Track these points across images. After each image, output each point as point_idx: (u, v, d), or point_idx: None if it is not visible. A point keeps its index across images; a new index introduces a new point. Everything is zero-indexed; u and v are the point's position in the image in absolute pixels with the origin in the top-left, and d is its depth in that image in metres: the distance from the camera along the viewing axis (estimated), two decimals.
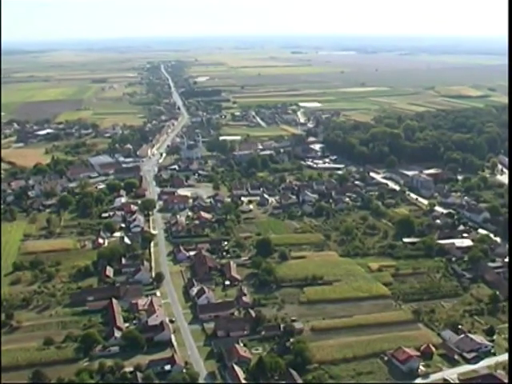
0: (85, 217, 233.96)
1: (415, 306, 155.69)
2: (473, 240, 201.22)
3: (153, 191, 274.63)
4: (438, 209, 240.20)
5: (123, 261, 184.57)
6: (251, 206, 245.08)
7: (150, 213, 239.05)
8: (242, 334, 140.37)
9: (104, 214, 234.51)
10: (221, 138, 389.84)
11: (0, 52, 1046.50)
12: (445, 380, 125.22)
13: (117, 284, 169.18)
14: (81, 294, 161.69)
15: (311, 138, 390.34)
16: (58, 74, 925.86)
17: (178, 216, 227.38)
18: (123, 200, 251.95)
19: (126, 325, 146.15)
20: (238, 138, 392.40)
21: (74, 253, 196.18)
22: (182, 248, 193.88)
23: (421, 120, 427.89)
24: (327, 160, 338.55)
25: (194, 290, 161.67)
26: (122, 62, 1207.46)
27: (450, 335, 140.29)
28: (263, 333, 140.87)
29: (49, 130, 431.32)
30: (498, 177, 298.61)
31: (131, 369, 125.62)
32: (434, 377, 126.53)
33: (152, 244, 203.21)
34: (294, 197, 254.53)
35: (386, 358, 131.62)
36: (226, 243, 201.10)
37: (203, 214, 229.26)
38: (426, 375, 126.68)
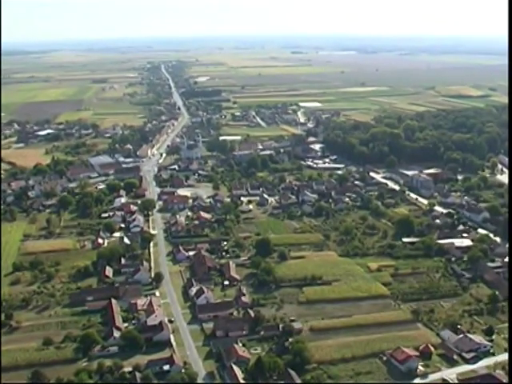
0: (85, 217, 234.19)
1: (414, 305, 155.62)
2: (472, 240, 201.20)
3: (153, 191, 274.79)
4: (438, 209, 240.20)
5: (123, 261, 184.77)
6: (251, 206, 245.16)
7: (150, 213, 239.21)
8: (241, 334, 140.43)
9: (104, 214, 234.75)
10: (221, 138, 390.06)
11: (0, 52, 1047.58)
12: (444, 380, 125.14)
13: (116, 284, 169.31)
14: (80, 294, 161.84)
15: (311, 138, 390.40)
16: (58, 74, 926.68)
17: (178, 216, 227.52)
18: (123, 200, 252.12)
19: (125, 325, 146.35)
20: (238, 138, 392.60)
21: (73, 253, 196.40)
22: (181, 248, 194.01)
23: (421, 120, 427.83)
24: (327, 160, 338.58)
25: (193, 290, 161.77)
26: (122, 62, 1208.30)
27: (449, 335, 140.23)
28: (262, 333, 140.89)
29: (49, 131, 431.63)
30: (498, 176, 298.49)
31: (130, 369, 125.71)
32: (432, 377, 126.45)
33: (151, 244, 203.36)
34: (293, 197, 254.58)
35: (384, 358, 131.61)
36: (225, 243, 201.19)
37: (203, 214, 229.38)
38: (424, 375, 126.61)
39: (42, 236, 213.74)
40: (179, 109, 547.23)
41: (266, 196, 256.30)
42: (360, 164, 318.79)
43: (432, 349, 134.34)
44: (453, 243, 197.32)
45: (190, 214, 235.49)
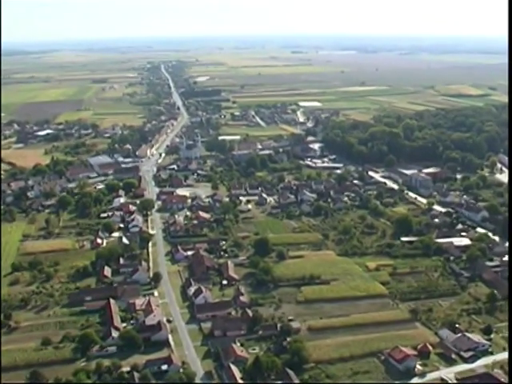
0: (84, 217, 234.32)
1: (413, 305, 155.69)
2: (471, 239, 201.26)
3: (152, 191, 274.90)
4: (437, 208, 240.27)
5: (121, 261, 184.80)
6: (250, 206, 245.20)
7: (149, 213, 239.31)
8: (239, 334, 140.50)
9: (103, 214, 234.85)
10: (220, 137, 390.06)
11: (0, 52, 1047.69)
12: (442, 379, 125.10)
13: (115, 284, 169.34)
14: (79, 294, 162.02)
15: (310, 138, 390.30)
16: (58, 74, 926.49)
17: (177, 216, 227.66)
18: (122, 200, 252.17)
19: (124, 325, 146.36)
20: (238, 137, 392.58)
21: (72, 253, 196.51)
22: (179, 248, 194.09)
23: (420, 119, 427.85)
24: (326, 159, 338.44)
25: (192, 290, 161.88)
26: (122, 62, 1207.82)
27: (448, 334, 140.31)
28: (260, 332, 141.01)
29: (49, 131, 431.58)
30: (498, 176, 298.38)
31: (128, 369, 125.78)
32: (430, 376, 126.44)
33: (150, 244, 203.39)
34: (292, 196, 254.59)
35: (382, 358, 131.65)
36: (223, 243, 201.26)
37: (201, 213, 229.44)
38: (422, 374, 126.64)
39: (41, 236, 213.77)
40: (179, 109, 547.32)
41: (264, 196, 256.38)
42: (359, 163, 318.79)
43: (430, 348, 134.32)
44: (451, 242, 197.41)
45: (188, 213, 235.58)
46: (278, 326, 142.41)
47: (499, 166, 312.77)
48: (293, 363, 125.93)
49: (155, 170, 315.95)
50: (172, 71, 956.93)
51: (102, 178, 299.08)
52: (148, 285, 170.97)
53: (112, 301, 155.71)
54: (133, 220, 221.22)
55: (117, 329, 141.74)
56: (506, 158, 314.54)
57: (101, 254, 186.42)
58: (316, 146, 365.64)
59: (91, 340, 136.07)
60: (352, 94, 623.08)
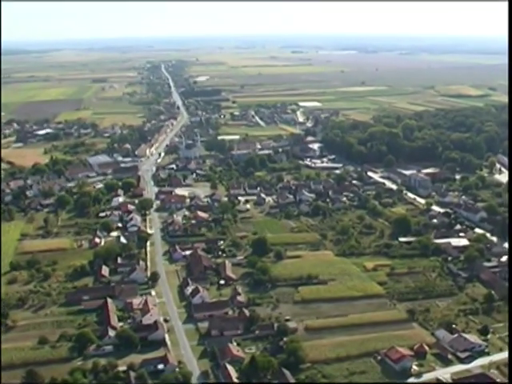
0: (82, 216, 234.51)
1: (410, 305, 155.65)
2: (469, 239, 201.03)
3: (150, 191, 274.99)
4: (435, 208, 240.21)
5: (119, 260, 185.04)
6: (248, 206, 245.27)
7: (148, 212, 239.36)
8: (236, 334, 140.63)
9: (101, 214, 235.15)
10: (219, 137, 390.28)
11: (0, 52, 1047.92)
12: (438, 379, 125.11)
13: (112, 283, 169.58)
14: (76, 294, 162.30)
15: (310, 138, 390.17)
16: (58, 73, 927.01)
17: (175, 215, 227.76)
18: (121, 199, 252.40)
19: (121, 324, 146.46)
20: (237, 137, 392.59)
21: (70, 252, 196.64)
22: (177, 247, 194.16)
23: (420, 119, 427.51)
24: (325, 159, 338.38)
25: (189, 290, 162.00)
26: (122, 61, 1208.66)
27: (444, 334, 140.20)
28: (257, 332, 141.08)
29: (48, 130, 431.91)
30: (497, 176, 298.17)
31: (124, 368, 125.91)
32: (426, 376, 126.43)
33: (148, 243, 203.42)
34: (291, 196, 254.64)
35: (379, 358, 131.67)
36: (221, 242, 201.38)
37: (200, 213, 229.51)
38: (418, 375, 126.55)
39: (40, 235, 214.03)
40: (178, 108, 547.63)
41: (263, 195, 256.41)
42: (358, 163, 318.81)
43: (426, 348, 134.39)
44: (449, 243, 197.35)
45: (187, 213, 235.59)
46: (275, 325, 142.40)
47: (498, 166, 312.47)
48: (289, 363, 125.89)
49: (154, 169, 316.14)
50: (172, 71, 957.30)
51: (101, 178, 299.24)
52: (145, 284, 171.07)
53: (109, 300, 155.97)
54: (131, 219, 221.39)
55: (114, 328, 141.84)
56: (505, 159, 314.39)
57: (99, 254, 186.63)
58: (315, 146, 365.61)
59: (88, 339, 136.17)
60: (352, 94, 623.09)
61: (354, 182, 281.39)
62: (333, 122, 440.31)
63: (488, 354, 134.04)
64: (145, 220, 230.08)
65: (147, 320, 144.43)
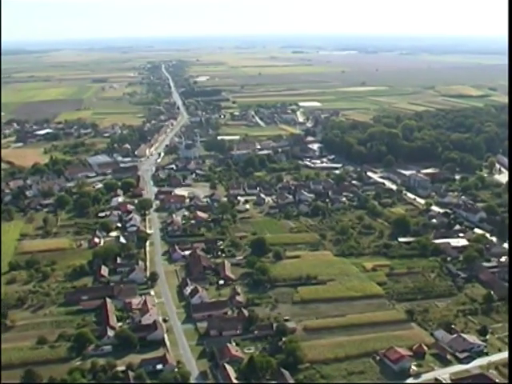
0: (81, 216, 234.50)
1: (409, 305, 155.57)
2: (468, 240, 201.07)
3: (150, 191, 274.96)
4: (435, 208, 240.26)
5: (118, 260, 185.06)
6: (247, 206, 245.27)
7: (147, 212, 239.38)
8: (235, 334, 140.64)
9: (101, 214, 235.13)
10: (219, 137, 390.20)
11: (0, 52, 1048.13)
12: (436, 380, 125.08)
13: (111, 283, 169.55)
14: (75, 294, 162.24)
15: (309, 138, 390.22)
16: (58, 73, 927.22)
17: (174, 215, 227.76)
18: (120, 199, 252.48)
19: (120, 324, 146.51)
20: (237, 137, 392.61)
21: (69, 252, 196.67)
22: (177, 247, 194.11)
23: (419, 119, 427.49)
24: (325, 159, 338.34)
25: (188, 290, 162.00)
26: (123, 61, 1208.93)
27: (443, 335, 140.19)
28: (256, 332, 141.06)
29: (48, 130, 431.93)
30: (496, 176, 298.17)
31: (123, 368, 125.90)
32: (425, 376, 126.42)
33: (147, 243, 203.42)
34: (290, 196, 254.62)
35: (377, 358, 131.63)
36: (221, 243, 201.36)
37: (199, 213, 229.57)
38: (417, 375, 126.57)
39: (39, 235, 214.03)
40: (178, 108, 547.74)
41: (263, 195, 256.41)
42: (358, 164, 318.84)
43: (425, 348, 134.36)
44: (449, 243, 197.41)
45: (186, 213, 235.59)
46: (274, 325, 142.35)
47: (498, 166, 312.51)
48: (288, 363, 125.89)
49: (154, 169, 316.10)
50: (172, 71, 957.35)
51: (101, 178, 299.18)
52: (145, 284, 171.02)
53: (108, 300, 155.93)
54: (130, 219, 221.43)
55: (112, 328, 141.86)
56: (505, 159, 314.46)
57: (98, 254, 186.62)
58: (315, 146, 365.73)
59: (87, 339, 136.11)
60: (352, 95, 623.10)
61: (354, 182, 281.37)
62: (333, 122, 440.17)
63: (487, 354, 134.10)
64: (144, 220, 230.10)
65: (146, 320, 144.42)
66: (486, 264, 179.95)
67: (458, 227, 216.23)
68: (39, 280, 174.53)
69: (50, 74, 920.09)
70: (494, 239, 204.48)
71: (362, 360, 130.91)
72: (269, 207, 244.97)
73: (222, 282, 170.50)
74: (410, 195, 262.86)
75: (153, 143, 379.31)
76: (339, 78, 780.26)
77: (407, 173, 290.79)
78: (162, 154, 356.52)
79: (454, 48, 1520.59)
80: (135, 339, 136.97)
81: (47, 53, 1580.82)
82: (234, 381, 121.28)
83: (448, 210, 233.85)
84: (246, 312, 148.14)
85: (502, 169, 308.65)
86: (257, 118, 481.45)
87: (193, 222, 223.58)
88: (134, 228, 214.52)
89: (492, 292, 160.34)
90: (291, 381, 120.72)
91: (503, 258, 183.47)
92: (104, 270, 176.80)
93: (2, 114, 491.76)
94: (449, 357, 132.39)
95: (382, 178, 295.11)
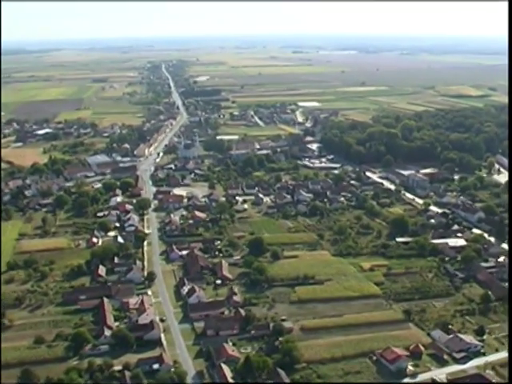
0: (80, 216, 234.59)
1: (406, 305, 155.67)
2: (467, 240, 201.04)
3: (149, 190, 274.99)
4: (433, 208, 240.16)
5: (116, 260, 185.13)
6: (246, 206, 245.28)
7: (145, 212, 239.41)
8: (232, 333, 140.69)
9: (99, 214, 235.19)
10: (218, 137, 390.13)
11: (0, 52, 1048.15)
12: (433, 380, 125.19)
13: (109, 283, 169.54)
14: (73, 293, 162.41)
15: (308, 138, 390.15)
16: (58, 73, 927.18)
17: (172, 215, 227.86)
18: (119, 199, 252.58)
19: (117, 324, 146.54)
20: (236, 137, 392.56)
21: (68, 252, 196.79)
22: (174, 247, 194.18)
23: (419, 119, 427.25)
24: (324, 159, 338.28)
25: (185, 289, 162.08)
26: (123, 61, 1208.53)
27: (440, 335, 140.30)
28: (253, 332, 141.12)
29: (48, 130, 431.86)
30: (495, 176, 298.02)
31: (120, 367, 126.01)
32: (422, 376, 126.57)
33: (145, 243, 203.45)
34: (288, 196, 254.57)
35: (374, 358, 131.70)
36: (218, 242, 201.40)
37: (198, 213, 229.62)
38: (414, 375, 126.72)
39: (38, 235, 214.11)
40: (178, 108, 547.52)
41: (261, 195, 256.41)
42: (356, 163, 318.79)
43: (422, 349, 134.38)
44: (447, 243, 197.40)
45: (184, 213, 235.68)
46: (271, 325, 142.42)
47: (497, 166, 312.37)
48: (284, 363, 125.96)
49: (153, 169, 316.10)
50: (172, 70, 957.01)
51: (100, 177, 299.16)
52: (142, 284, 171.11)
53: (106, 300, 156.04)
54: (129, 219, 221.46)
55: (110, 328, 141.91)
56: (504, 159, 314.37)
57: (96, 253, 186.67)
58: (314, 146, 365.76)
59: (84, 339, 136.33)
60: (352, 94, 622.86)
61: (352, 182, 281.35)
62: (332, 122, 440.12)
63: (484, 354, 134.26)
64: (142, 220, 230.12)
65: (143, 320, 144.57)
66: (483, 264, 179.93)
67: (456, 227, 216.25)
68: (37, 279, 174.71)
69: (50, 73, 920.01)
70: (492, 239, 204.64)
71: (359, 360, 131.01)
72: (267, 207, 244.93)
73: (219, 281, 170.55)
74: (408, 195, 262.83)
75: (152, 143, 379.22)
76: (339, 78, 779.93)
77: (406, 173, 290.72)
78: (161, 154, 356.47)
79: (453, 48, 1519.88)
80: (132, 339, 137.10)
81: (47, 53, 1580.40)
82: (230, 381, 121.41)
83: (446, 210, 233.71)
84: (242, 312, 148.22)
85: (501, 169, 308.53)
86: (256, 118, 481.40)
87: (191, 221, 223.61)
88: (132, 228, 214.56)
89: (489, 292, 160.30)
90: (287, 381, 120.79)
91: (501, 258, 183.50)
92: (101, 270, 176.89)
93: (2, 113, 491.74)
94: (446, 357, 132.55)
95: (380, 178, 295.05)
